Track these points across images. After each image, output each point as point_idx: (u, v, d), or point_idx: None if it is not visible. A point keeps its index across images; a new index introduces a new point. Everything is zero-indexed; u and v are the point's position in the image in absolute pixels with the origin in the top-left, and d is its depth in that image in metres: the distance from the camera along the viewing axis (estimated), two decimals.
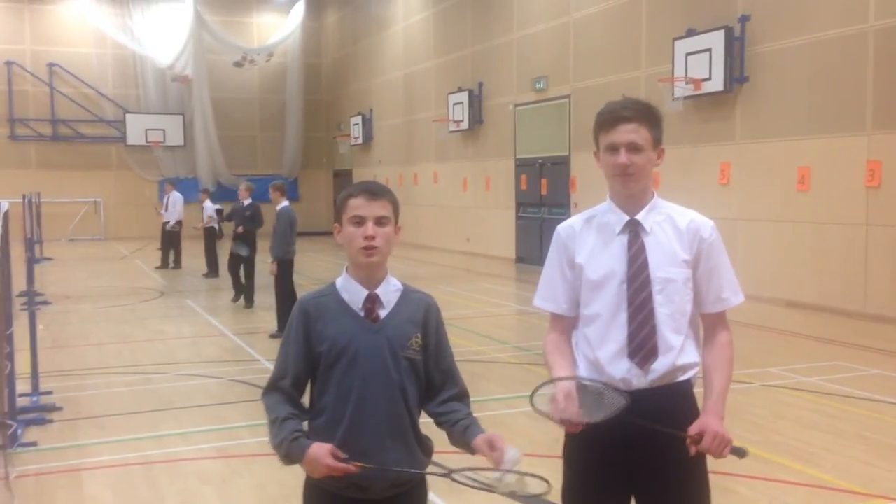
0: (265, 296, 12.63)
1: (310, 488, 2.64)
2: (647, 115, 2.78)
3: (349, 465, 2.45)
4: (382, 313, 2.62)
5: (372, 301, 2.61)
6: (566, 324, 2.91)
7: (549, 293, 2.93)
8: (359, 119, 28.50)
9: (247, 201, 13.33)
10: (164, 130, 29.55)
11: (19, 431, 6.27)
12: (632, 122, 2.74)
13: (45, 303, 13.31)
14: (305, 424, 2.62)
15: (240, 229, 13.19)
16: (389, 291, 2.65)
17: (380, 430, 2.56)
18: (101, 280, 17.20)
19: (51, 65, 28.57)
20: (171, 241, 19.00)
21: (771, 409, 7.01)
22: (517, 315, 12.65)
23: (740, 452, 2.69)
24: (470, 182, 21.71)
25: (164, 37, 29.24)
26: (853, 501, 5.02)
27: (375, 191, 2.63)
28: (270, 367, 2.65)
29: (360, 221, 2.58)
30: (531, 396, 2.69)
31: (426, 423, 2.69)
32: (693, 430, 2.65)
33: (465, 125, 21.18)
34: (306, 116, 31.75)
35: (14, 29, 28.42)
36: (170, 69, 29.45)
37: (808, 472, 5.44)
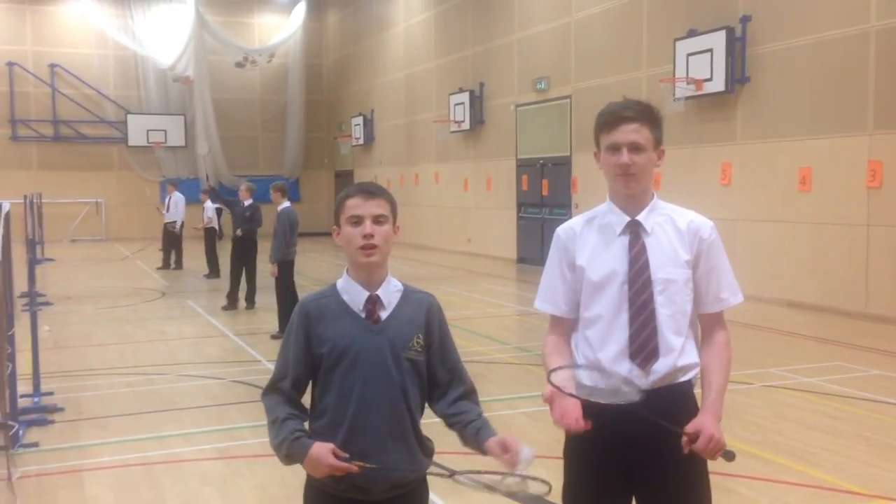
0: (266, 296, 12.64)
1: (310, 490, 2.64)
2: (648, 115, 2.79)
3: (351, 464, 2.45)
4: (383, 314, 2.62)
5: (373, 302, 2.61)
6: (566, 326, 2.92)
7: (548, 295, 2.94)
8: (360, 120, 28.51)
9: (247, 202, 13.18)
10: (165, 131, 29.57)
11: (21, 432, 6.27)
12: (634, 121, 2.75)
13: (47, 304, 13.31)
14: (306, 425, 2.62)
15: (238, 232, 13.01)
16: (390, 292, 2.65)
17: (381, 432, 2.56)
18: (103, 281, 17.21)
19: (52, 65, 28.60)
20: (172, 241, 19.01)
21: (771, 409, 7.01)
22: (518, 316, 12.65)
23: (729, 455, 2.69)
24: (471, 183, 21.72)
25: (166, 37, 29.26)
26: (854, 502, 5.02)
27: (372, 190, 2.64)
28: (272, 367, 2.66)
29: (357, 221, 2.59)
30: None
31: (427, 423, 2.69)
32: (690, 428, 2.65)
33: (466, 126, 21.18)
34: (307, 117, 31.76)
35: (15, 30, 28.44)
36: (171, 70, 29.47)
37: (809, 473, 5.44)
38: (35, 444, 6.21)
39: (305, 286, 12.89)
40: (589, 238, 2.87)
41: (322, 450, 2.46)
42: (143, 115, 29.52)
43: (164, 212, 19.33)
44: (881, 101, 11.09)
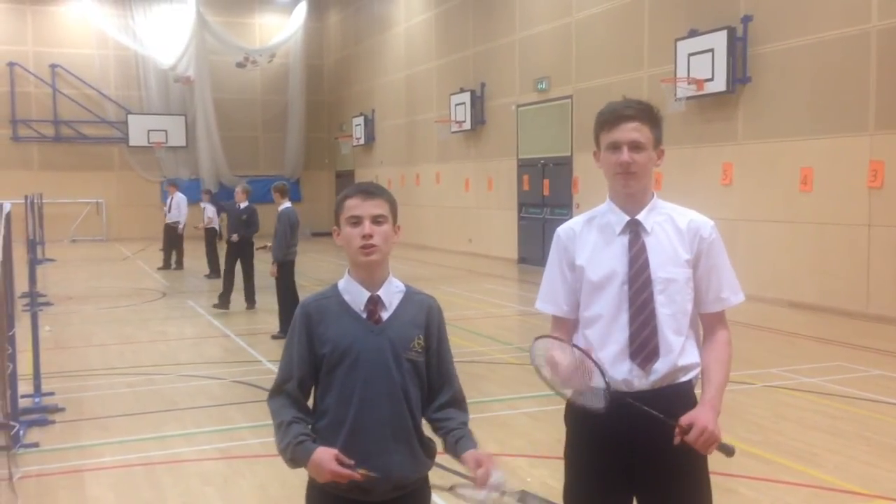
0: (267, 297, 12.64)
1: (312, 490, 2.64)
2: (648, 114, 2.80)
3: (354, 471, 2.45)
4: (384, 315, 2.61)
5: (374, 303, 2.61)
6: (567, 326, 2.92)
7: (549, 296, 2.94)
8: (361, 120, 28.52)
9: (243, 204, 13.03)
10: (166, 131, 29.58)
11: (22, 432, 6.27)
12: (634, 120, 2.76)
13: (48, 304, 13.32)
14: (310, 428, 2.62)
15: (234, 237, 12.83)
16: (391, 293, 2.65)
17: (383, 432, 2.55)
18: (103, 281, 17.22)
19: (53, 66, 28.61)
20: (173, 241, 19.02)
21: (772, 409, 7.00)
22: (519, 316, 12.65)
23: (728, 450, 2.68)
24: (472, 183, 21.72)
25: (166, 38, 29.27)
26: (854, 502, 5.01)
27: (371, 190, 2.64)
28: (272, 367, 2.66)
29: (356, 221, 2.59)
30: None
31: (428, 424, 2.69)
32: (684, 419, 2.64)
33: (467, 126, 21.18)
34: (308, 117, 31.76)
35: (16, 30, 28.45)
36: (172, 70, 29.48)
37: (810, 473, 5.43)
38: (36, 445, 6.21)
39: (306, 286, 12.89)
40: (589, 238, 2.87)
41: (325, 455, 2.46)
42: (144, 116, 29.53)
43: (166, 212, 19.34)
44: (882, 101, 11.08)
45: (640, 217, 2.83)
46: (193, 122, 29.73)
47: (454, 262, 20.01)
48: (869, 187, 11.28)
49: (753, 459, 5.66)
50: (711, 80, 13.40)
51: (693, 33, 13.78)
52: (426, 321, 2.66)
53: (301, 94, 31.43)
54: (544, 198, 18.58)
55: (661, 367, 2.75)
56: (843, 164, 11.63)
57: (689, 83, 13.68)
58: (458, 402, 2.70)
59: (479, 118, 20.93)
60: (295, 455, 2.51)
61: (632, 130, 2.75)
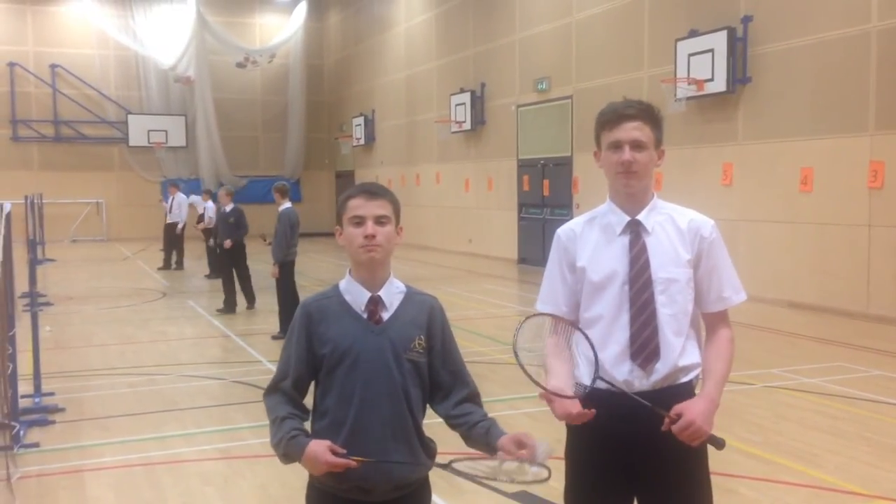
0: (267, 297, 12.64)
1: (312, 490, 2.64)
2: (649, 114, 2.81)
3: (349, 460, 2.45)
4: (385, 315, 2.61)
5: (374, 303, 2.61)
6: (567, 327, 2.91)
7: (549, 297, 2.94)
8: (361, 120, 28.52)
9: (228, 207, 12.88)
10: (166, 131, 29.59)
11: (22, 432, 6.28)
12: (636, 119, 2.77)
13: (48, 304, 13.32)
14: (307, 425, 2.62)
15: (227, 243, 12.68)
16: (392, 293, 2.64)
17: (383, 433, 2.55)
18: (104, 281, 17.22)
19: (53, 66, 28.61)
20: (173, 241, 19.02)
21: (773, 409, 7.00)
22: (519, 316, 12.59)
23: (718, 443, 2.68)
24: (472, 183, 21.72)
25: (167, 38, 29.28)
26: (855, 502, 5.01)
27: (374, 191, 2.64)
28: (273, 368, 2.67)
29: (359, 221, 2.58)
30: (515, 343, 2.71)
31: (428, 424, 2.68)
32: (675, 410, 2.64)
33: (467, 126, 21.18)
34: (308, 117, 31.77)
35: (16, 30, 28.46)
36: (172, 70, 29.48)
37: (810, 473, 5.43)
38: (36, 445, 6.21)
39: (307, 286, 12.89)
40: (589, 238, 2.87)
41: (319, 447, 2.46)
42: (144, 116, 29.53)
43: (168, 212, 19.35)
44: (883, 102, 11.08)
45: (640, 217, 2.83)
46: (193, 123, 29.73)
47: (454, 263, 20.01)
48: (869, 187, 11.28)
49: (754, 460, 5.66)
50: (711, 80, 13.40)
51: (693, 33, 13.78)
52: (428, 321, 2.65)
53: (301, 95, 31.43)
54: (544, 198, 18.58)
55: (661, 367, 2.75)
56: (843, 164, 11.63)
57: (689, 83, 13.68)
58: (474, 398, 2.69)
59: (479, 118, 20.93)
60: (288, 450, 2.51)
61: (633, 130, 2.76)
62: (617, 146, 2.77)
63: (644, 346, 2.74)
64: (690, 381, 2.82)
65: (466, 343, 9.75)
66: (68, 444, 6.33)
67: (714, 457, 2.80)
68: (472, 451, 2.56)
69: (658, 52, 14.81)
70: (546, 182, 18.47)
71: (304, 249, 14.71)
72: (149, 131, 29.38)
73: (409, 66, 25.31)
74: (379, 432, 2.55)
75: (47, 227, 24.20)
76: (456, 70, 22.23)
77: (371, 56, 28.13)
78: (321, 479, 2.54)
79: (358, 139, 28.79)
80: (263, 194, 27.41)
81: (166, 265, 18.95)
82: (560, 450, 2.94)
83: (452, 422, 2.65)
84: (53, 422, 6.83)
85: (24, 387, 7.28)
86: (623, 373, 2.75)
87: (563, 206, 17.78)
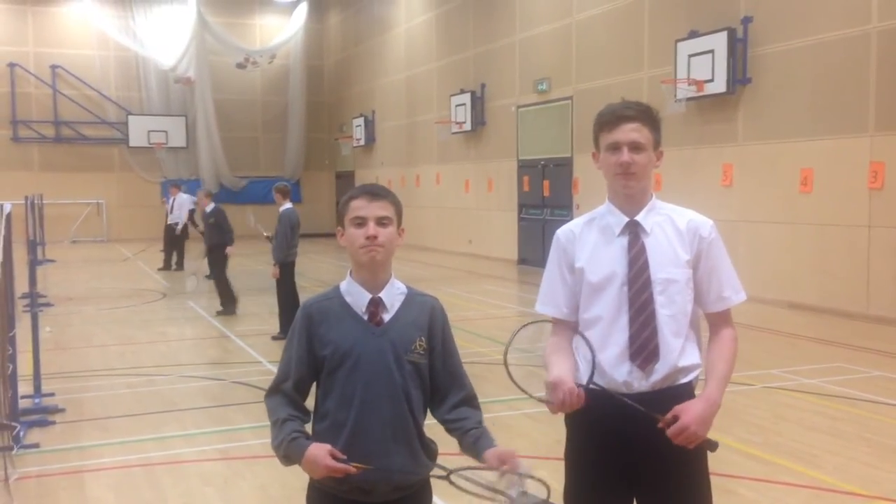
0: (267, 298, 12.63)
1: (313, 491, 2.64)
2: (648, 116, 2.82)
3: (348, 465, 2.45)
4: (386, 317, 2.61)
5: (375, 304, 2.61)
6: (568, 328, 2.92)
7: (549, 298, 2.94)
8: (361, 121, 28.53)
9: (209, 207, 12.74)
10: (166, 132, 29.59)
11: (22, 433, 6.28)
12: (634, 121, 2.77)
13: (48, 305, 13.32)
14: (308, 427, 2.62)
15: (228, 251, 12.50)
16: (393, 295, 2.64)
17: (383, 434, 2.55)
18: (104, 282, 17.22)
19: (53, 66, 28.62)
20: (173, 242, 19.02)
21: (772, 410, 7.01)
22: (519, 317, 12.64)
23: (711, 445, 2.69)
24: (472, 184, 21.72)
25: (167, 38, 29.27)
26: (854, 503, 5.01)
27: (376, 192, 2.64)
28: (273, 368, 2.67)
29: (361, 222, 2.59)
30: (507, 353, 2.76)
31: (430, 425, 2.69)
32: (672, 412, 2.64)
33: (467, 127, 21.18)
34: (308, 118, 31.77)
35: (17, 31, 28.46)
36: (172, 71, 29.48)
37: (810, 474, 5.43)
38: (36, 445, 6.22)
39: (307, 287, 12.89)
40: (588, 240, 2.87)
41: (319, 451, 2.46)
42: (145, 116, 29.53)
43: (169, 213, 19.34)
44: (882, 102, 11.08)
45: (639, 218, 2.83)
46: (194, 123, 29.73)
47: (454, 263, 20.01)
48: (869, 188, 11.28)
49: (753, 460, 5.66)
50: (711, 81, 13.41)
51: (693, 34, 13.78)
52: (429, 323, 2.65)
53: (301, 95, 31.44)
54: (544, 199, 18.58)
55: (661, 368, 2.75)
56: (843, 165, 11.63)
57: (689, 84, 13.69)
58: (470, 401, 2.69)
59: (479, 119, 20.93)
60: (288, 452, 2.51)
61: (632, 131, 2.76)
62: (615, 147, 2.78)
63: (643, 346, 2.74)
64: (690, 382, 2.82)
65: (466, 343, 9.75)
66: (68, 444, 6.33)
67: (713, 457, 2.81)
68: (471, 459, 2.56)
69: (658, 52, 14.81)
70: (546, 183, 18.47)
71: (305, 250, 14.71)
72: (149, 132, 29.38)
73: (409, 67, 25.32)
74: (380, 434, 2.55)
75: (47, 227, 24.19)
76: (456, 71, 22.24)
77: (371, 57, 28.14)
78: (321, 480, 2.54)
79: (358, 140, 28.80)
80: (264, 195, 27.43)
81: (166, 266, 18.95)
82: (560, 450, 2.94)
83: (447, 426, 2.66)
84: (53, 422, 6.84)
85: (24, 387, 7.28)
86: (622, 374, 2.75)
87: (563, 207, 17.78)
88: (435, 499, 2.75)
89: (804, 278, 12.27)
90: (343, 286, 2.67)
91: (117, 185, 29.55)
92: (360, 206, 2.60)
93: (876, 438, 6.19)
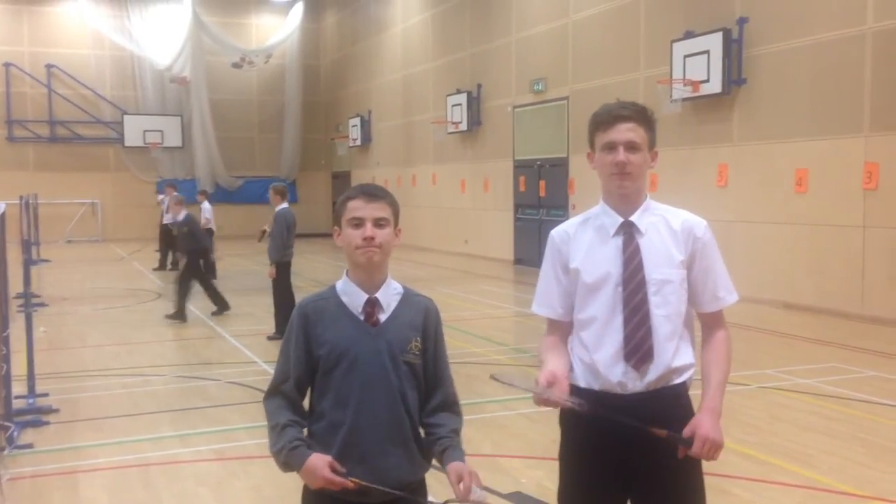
0: (263, 298, 12.62)
1: (308, 491, 2.63)
2: (643, 116, 2.82)
3: (347, 480, 2.45)
4: (382, 317, 2.61)
5: (371, 305, 2.60)
6: (563, 328, 2.92)
7: (545, 298, 2.94)
8: (357, 121, 28.51)
9: (180, 216, 12.50)
10: (162, 132, 29.54)
11: (16, 433, 6.26)
12: (630, 121, 2.78)
13: (43, 305, 13.29)
14: (306, 431, 2.61)
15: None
16: (389, 295, 2.64)
17: (379, 435, 2.55)
18: (99, 282, 17.19)
19: (49, 66, 28.56)
20: (169, 242, 18.99)
21: (767, 410, 7.01)
22: (515, 317, 12.65)
23: (685, 443, 2.70)
24: (468, 184, 21.72)
25: (163, 38, 29.24)
26: (849, 503, 5.02)
27: (374, 193, 2.63)
28: (268, 369, 2.67)
29: (358, 223, 2.58)
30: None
31: None
32: (686, 431, 2.66)
33: (463, 127, 21.18)
34: (305, 118, 31.75)
35: (12, 30, 28.40)
36: (168, 70, 29.44)
37: (805, 474, 5.44)
38: (30, 446, 6.20)
39: (303, 287, 12.87)
40: (583, 240, 2.87)
41: (319, 462, 2.45)
42: (140, 116, 29.48)
43: (164, 213, 19.31)
44: (877, 103, 11.11)
45: (633, 218, 2.83)
46: (189, 123, 29.70)
47: (450, 264, 20.01)
48: (864, 189, 11.30)
49: (748, 460, 5.67)
50: (707, 81, 13.42)
51: (689, 35, 13.79)
52: (423, 323, 2.65)
53: (297, 95, 31.42)
54: (540, 199, 18.58)
55: (655, 368, 2.75)
56: (838, 165, 11.65)
57: (684, 85, 13.70)
58: (450, 406, 2.68)
59: (475, 119, 20.94)
60: (289, 459, 2.51)
61: (627, 131, 2.77)
62: (611, 147, 2.78)
63: (638, 347, 2.74)
64: (684, 382, 2.82)
65: (462, 344, 9.74)
66: (62, 445, 6.32)
67: None
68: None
69: (654, 53, 14.83)
70: (542, 183, 18.47)
71: (301, 250, 14.70)
72: (144, 132, 29.32)
73: (405, 67, 25.31)
74: (375, 435, 2.54)
75: (42, 227, 24.14)
76: (452, 71, 22.23)
77: (367, 57, 28.13)
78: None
79: (354, 140, 28.78)
80: (259, 195, 27.42)
81: (162, 266, 18.92)
82: (555, 451, 2.94)
83: (425, 430, 2.66)
84: (48, 423, 6.82)
85: (18, 388, 7.27)
86: (617, 374, 2.75)
87: (559, 207, 17.78)
88: (431, 500, 2.75)
89: (799, 278, 12.29)
90: (339, 286, 2.66)
91: (113, 185, 29.51)
92: (357, 207, 2.60)
93: (871, 439, 6.20)
